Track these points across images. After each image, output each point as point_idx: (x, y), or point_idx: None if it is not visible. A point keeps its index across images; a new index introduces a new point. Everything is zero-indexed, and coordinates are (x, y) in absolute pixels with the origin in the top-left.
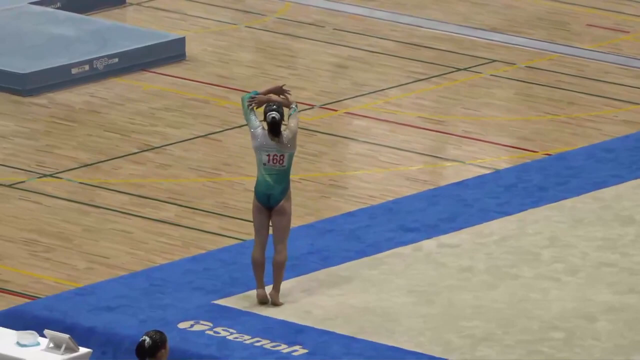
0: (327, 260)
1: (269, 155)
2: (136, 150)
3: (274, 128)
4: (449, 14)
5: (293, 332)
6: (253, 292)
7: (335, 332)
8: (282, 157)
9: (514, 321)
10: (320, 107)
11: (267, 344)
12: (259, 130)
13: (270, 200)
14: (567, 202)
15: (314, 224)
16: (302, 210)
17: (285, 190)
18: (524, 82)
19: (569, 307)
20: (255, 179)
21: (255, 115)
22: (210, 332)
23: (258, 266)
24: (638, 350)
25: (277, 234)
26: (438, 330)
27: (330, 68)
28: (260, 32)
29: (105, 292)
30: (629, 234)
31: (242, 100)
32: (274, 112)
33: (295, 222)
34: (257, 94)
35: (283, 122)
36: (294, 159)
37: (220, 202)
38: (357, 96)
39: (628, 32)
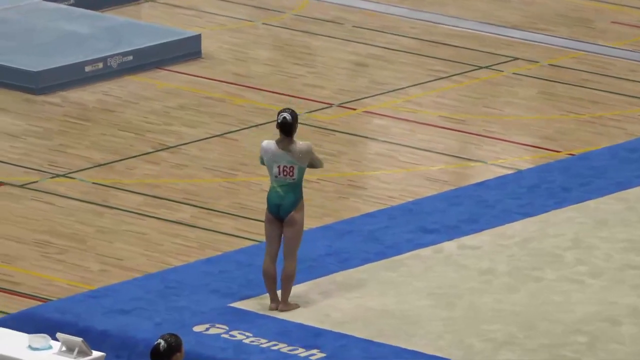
0: (345, 262)
1: (279, 167)
2: (151, 150)
3: (284, 128)
4: (469, 11)
5: (311, 336)
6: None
7: (354, 335)
8: (292, 170)
9: (536, 325)
10: (339, 105)
11: (284, 347)
12: (265, 143)
13: (281, 211)
14: (591, 203)
15: (332, 225)
16: (320, 211)
17: (295, 202)
18: (546, 80)
19: (592, 310)
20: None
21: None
22: (226, 336)
23: (268, 278)
24: None
25: (286, 246)
26: (458, 334)
27: (348, 66)
28: (277, 29)
29: (119, 294)
30: None
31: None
32: (285, 113)
33: (313, 223)
34: None
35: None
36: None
37: (237, 202)
38: (376, 95)
39: None
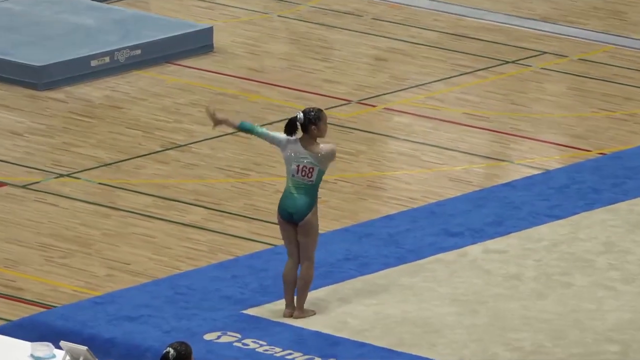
0: (364, 266)
1: (298, 166)
2: (160, 149)
3: (288, 126)
4: (496, 3)
5: (328, 344)
6: (284, 302)
7: (373, 344)
8: (311, 171)
9: (565, 333)
10: (358, 102)
11: (299, 356)
12: (284, 141)
13: (294, 216)
14: (623, 205)
15: (351, 227)
16: (338, 213)
17: (310, 206)
18: (577, 75)
19: (625, 317)
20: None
21: (270, 131)
22: (239, 344)
23: (287, 282)
24: None
25: (302, 250)
26: (483, 343)
27: (368, 61)
28: (293, 22)
29: (126, 300)
30: None
31: (251, 129)
32: (300, 113)
33: (330, 226)
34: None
35: (310, 130)
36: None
37: (250, 204)
38: (397, 91)
39: None
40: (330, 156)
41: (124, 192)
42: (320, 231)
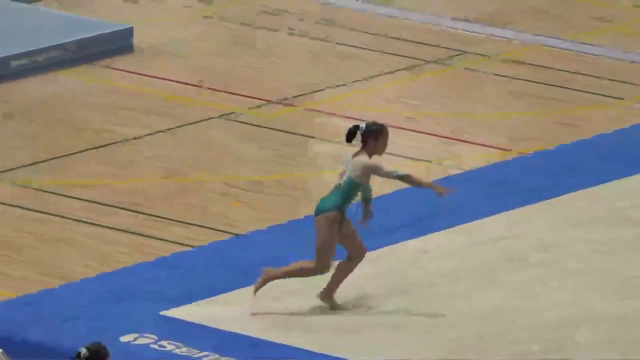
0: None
1: (342, 172)
2: (87, 148)
3: (348, 134)
4: (429, 4)
5: (247, 346)
6: (204, 302)
7: (293, 345)
8: (343, 174)
9: (493, 330)
10: (287, 102)
11: (217, 359)
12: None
13: (316, 208)
14: (560, 201)
15: (275, 227)
16: (260, 214)
17: (329, 207)
18: (505, 76)
19: (558, 315)
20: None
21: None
22: (155, 346)
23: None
24: None
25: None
26: (410, 342)
27: (299, 61)
28: (222, 20)
29: (44, 302)
30: (626, 235)
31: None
32: (363, 123)
33: (252, 226)
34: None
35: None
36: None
37: (183, 205)
38: (328, 91)
39: (612, 21)
40: (360, 167)
41: (52, 195)
42: (242, 232)
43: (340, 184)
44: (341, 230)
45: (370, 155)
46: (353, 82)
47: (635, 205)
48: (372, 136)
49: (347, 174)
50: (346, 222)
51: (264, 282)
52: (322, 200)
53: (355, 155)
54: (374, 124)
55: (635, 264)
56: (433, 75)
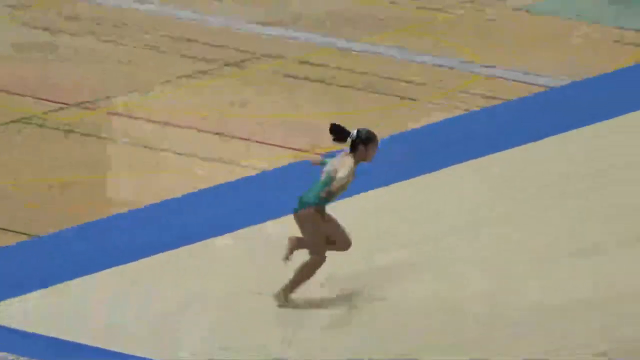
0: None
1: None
2: None
3: (335, 131)
4: (221, 7)
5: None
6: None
7: (113, 350)
8: (322, 174)
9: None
10: (79, 105)
11: None
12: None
13: (298, 202)
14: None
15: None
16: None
17: (309, 203)
18: (293, 77)
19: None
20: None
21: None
22: None
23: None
24: None
25: None
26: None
27: (91, 66)
28: (18, 26)
29: None
30: None
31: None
32: (355, 130)
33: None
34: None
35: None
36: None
37: None
38: (119, 95)
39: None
40: (347, 171)
41: None
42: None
43: (319, 181)
44: (324, 222)
45: (357, 162)
46: (146, 86)
47: None
48: (364, 143)
49: (326, 170)
50: (327, 215)
51: (286, 297)
52: (304, 194)
53: (342, 157)
54: (366, 130)
55: None
56: (230, 78)
